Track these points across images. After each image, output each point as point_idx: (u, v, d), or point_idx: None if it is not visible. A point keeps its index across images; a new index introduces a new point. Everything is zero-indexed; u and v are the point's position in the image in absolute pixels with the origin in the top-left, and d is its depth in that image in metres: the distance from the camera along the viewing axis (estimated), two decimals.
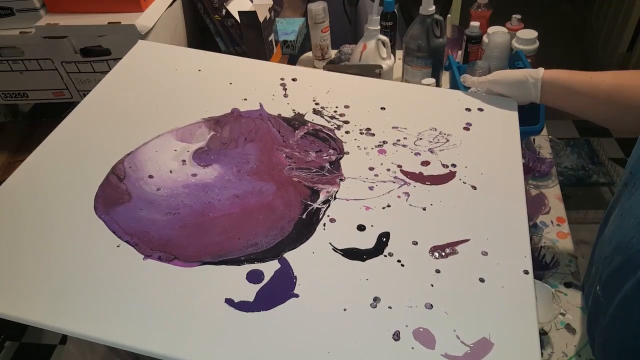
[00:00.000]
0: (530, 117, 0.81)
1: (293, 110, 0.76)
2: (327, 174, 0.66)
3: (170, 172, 0.66)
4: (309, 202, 0.62)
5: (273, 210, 0.62)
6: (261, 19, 1.11)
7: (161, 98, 0.77)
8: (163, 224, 0.59)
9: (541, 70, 0.71)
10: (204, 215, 0.61)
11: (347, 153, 0.69)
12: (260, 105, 0.76)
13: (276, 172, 0.67)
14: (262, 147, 0.70)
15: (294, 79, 0.81)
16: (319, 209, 0.62)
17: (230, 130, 0.72)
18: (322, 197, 0.63)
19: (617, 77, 0.65)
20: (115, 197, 0.62)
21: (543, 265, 0.78)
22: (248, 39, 1.14)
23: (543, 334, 0.72)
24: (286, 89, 0.79)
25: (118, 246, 0.56)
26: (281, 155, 0.69)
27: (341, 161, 0.68)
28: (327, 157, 0.69)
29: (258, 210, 0.62)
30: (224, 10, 1.15)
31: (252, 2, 1.26)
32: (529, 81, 0.72)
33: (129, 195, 0.63)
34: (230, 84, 0.80)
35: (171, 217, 0.60)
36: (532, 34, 1.11)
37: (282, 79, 0.81)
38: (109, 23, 0.99)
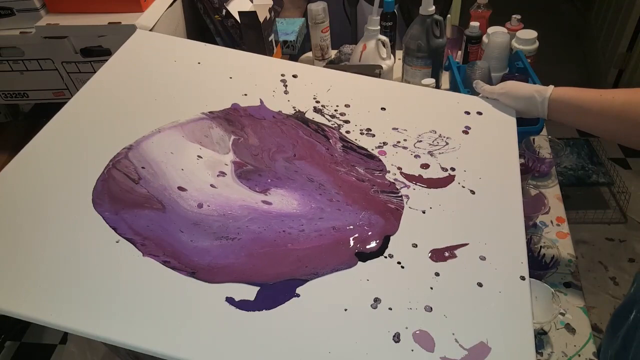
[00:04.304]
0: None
1: (293, 107, 0.75)
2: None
3: (212, 186, 0.61)
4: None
5: (364, 242, 0.57)
6: (261, 19, 1.11)
7: (160, 90, 0.75)
8: (220, 253, 0.54)
9: (550, 88, 0.71)
10: (277, 245, 0.56)
11: None
12: (261, 101, 0.75)
13: (369, 197, 0.61)
14: (325, 169, 0.64)
15: (294, 76, 0.80)
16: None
17: (256, 137, 0.68)
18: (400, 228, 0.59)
19: (628, 94, 0.65)
20: (131, 199, 0.59)
21: (543, 265, 0.78)
22: (248, 39, 1.14)
23: (543, 333, 0.73)
24: (287, 86, 0.79)
25: (117, 242, 0.55)
26: (347, 176, 0.64)
27: None
28: (386, 175, 0.65)
29: (346, 243, 0.57)
30: (224, 11, 1.15)
31: (252, 2, 1.26)
32: (536, 98, 0.71)
33: (160, 205, 0.59)
34: (230, 78, 0.79)
35: (228, 242, 0.56)
36: (532, 34, 1.11)
37: (282, 75, 0.80)
38: (109, 23, 0.99)
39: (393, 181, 0.65)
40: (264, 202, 0.61)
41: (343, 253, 0.56)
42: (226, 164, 0.65)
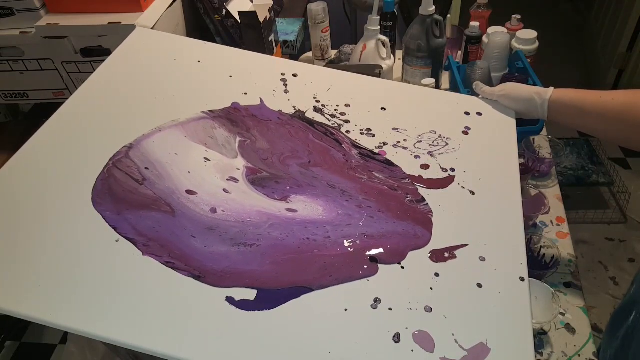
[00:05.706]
0: None
1: (294, 107, 0.75)
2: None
3: (225, 191, 0.60)
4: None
5: (399, 252, 0.56)
6: (261, 19, 1.11)
7: (159, 88, 0.74)
8: (240, 259, 0.53)
9: (550, 90, 0.71)
10: (302, 252, 0.55)
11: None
12: (261, 100, 0.75)
13: (405, 207, 0.60)
14: (344, 176, 0.63)
15: (294, 75, 0.80)
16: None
17: (265, 141, 0.67)
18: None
19: (628, 95, 0.65)
20: (135, 200, 0.58)
21: (543, 265, 0.78)
22: (248, 39, 1.14)
23: (543, 333, 0.73)
24: (287, 85, 0.78)
25: (117, 241, 0.55)
26: (373, 183, 0.62)
27: None
28: (412, 184, 0.64)
29: (380, 252, 0.56)
30: (224, 11, 1.15)
31: (252, 2, 1.26)
32: (536, 100, 0.71)
33: (168, 207, 0.57)
34: (231, 76, 0.78)
35: (247, 248, 0.55)
36: (532, 34, 1.11)
37: (282, 74, 0.80)
38: (109, 23, 0.99)
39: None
40: (289, 209, 0.59)
41: (368, 263, 0.55)
42: (238, 169, 0.64)
